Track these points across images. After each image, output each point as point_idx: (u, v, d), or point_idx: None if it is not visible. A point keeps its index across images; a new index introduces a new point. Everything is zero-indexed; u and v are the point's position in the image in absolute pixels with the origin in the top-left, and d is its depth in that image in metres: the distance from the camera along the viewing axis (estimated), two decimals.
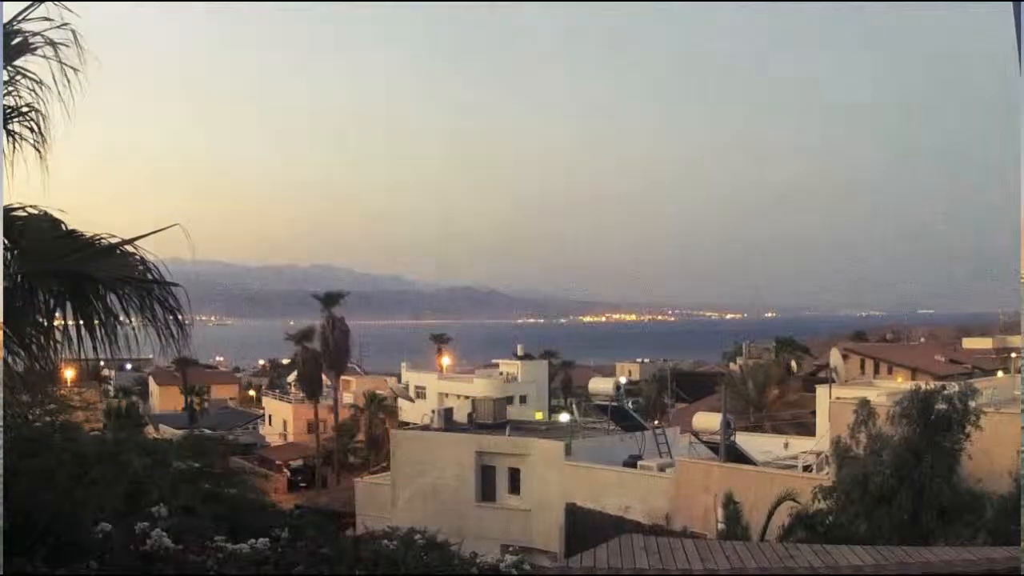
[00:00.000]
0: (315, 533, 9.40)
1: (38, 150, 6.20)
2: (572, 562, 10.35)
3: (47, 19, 6.03)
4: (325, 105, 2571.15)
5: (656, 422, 38.93)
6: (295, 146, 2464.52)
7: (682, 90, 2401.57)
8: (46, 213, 5.83)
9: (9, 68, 6.02)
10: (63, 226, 5.78)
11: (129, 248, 5.63)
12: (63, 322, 5.54)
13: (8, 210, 5.75)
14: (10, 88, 6.07)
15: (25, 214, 5.81)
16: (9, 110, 6.09)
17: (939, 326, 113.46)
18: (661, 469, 28.05)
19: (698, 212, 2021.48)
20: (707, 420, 34.00)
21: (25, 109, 6.17)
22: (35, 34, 6.05)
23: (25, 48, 6.05)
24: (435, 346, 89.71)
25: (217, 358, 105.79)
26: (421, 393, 60.27)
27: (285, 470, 51.96)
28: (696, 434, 33.64)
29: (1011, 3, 4.68)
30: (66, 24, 6.01)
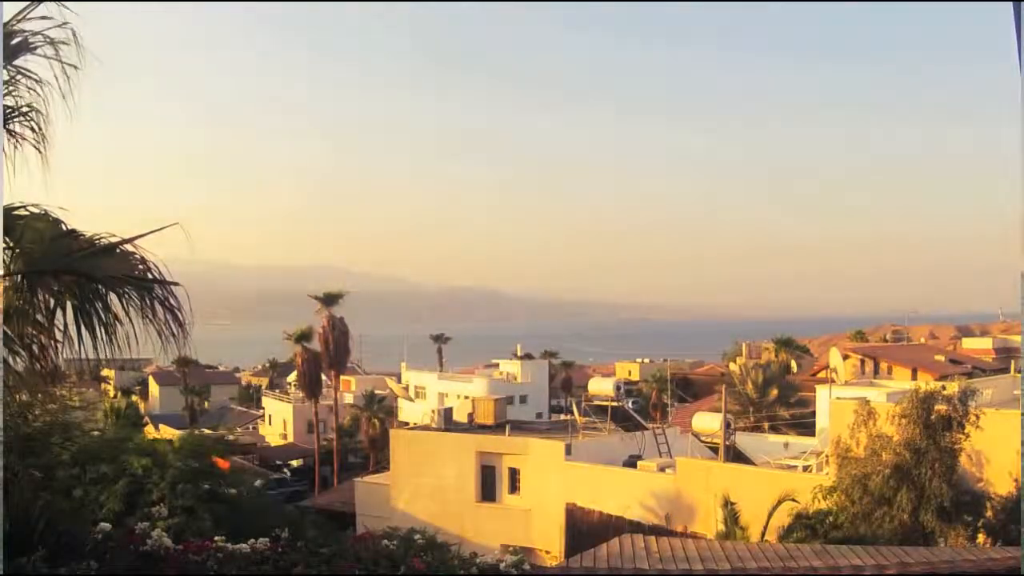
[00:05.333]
0: (315, 533, 9.40)
1: (39, 150, 6.19)
2: (572, 562, 10.36)
3: (47, 19, 6.02)
4: (326, 104, 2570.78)
5: (655, 423, 38.85)
6: (295, 145, 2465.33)
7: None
8: (46, 213, 5.83)
9: (9, 68, 6.01)
10: (63, 226, 5.78)
11: (129, 247, 5.62)
12: (63, 322, 5.53)
13: (8, 210, 5.74)
14: (10, 88, 6.06)
15: (26, 213, 5.81)
16: (9, 110, 6.08)
17: (939, 326, 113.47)
18: (661, 469, 28.02)
19: (703, 212, 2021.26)
20: (706, 421, 33.99)
21: (25, 109, 6.16)
22: (35, 33, 6.05)
23: (25, 48, 6.04)
24: (435, 346, 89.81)
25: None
26: (421, 393, 60.20)
27: (285, 470, 51.92)
28: (696, 435, 33.64)
29: (1011, 3, 4.67)
30: (66, 23, 6.01)
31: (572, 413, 36.05)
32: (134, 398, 69.58)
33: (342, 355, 52.12)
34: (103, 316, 5.47)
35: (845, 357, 45.98)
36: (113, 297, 5.52)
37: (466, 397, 46.20)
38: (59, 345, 5.56)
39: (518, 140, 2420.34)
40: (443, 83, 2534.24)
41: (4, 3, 5.84)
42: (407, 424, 48.09)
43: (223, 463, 15.47)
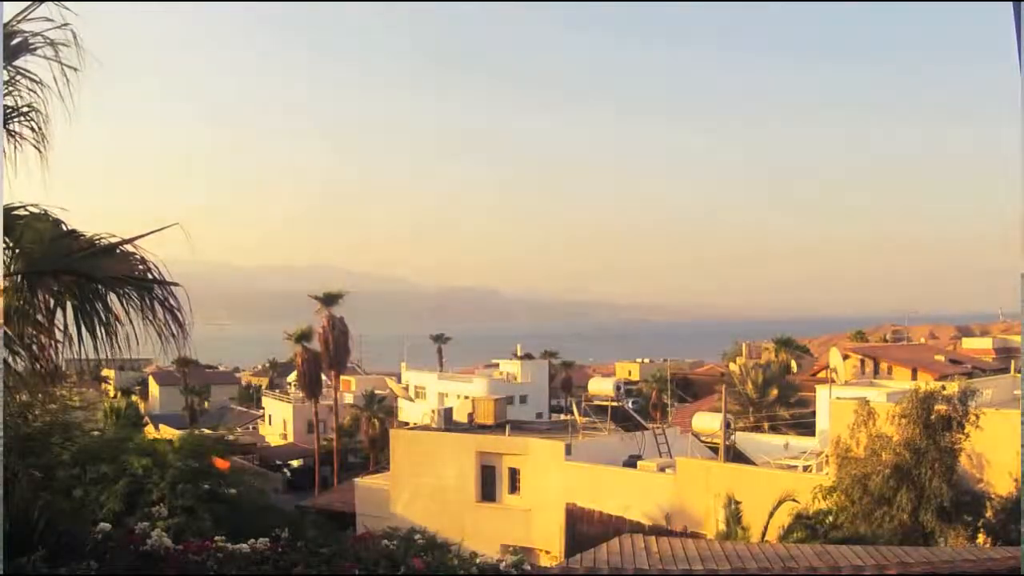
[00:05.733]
0: (315, 533, 9.39)
1: (39, 150, 6.20)
2: (573, 562, 10.36)
3: (47, 19, 6.03)
4: (326, 105, 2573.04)
5: (655, 423, 38.82)
6: (295, 146, 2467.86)
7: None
8: (46, 213, 5.83)
9: (9, 68, 6.01)
10: (63, 226, 5.78)
11: (129, 248, 5.62)
12: (63, 322, 5.53)
13: (8, 210, 5.75)
14: (10, 88, 6.07)
15: (26, 213, 5.81)
16: (9, 110, 6.09)
17: (939, 326, 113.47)
18: (661, 469, 28.02)
19: (704, 211, 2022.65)
20: (706, 421, 33.99)
21: (25, 109, 6.17)
22: (35, 34, 6.05)
23: (25, 48, 6.04)
24: (435, 346, 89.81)
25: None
26: (421, 393, 60.20)
27: (285, 470, 51.92)
28: (696, 435, 33.64)
29: (1011, 3, 4.67)
30: (66, 24, 6.01)
31: (572, 413, 36.06)
32: (134, 398, 69.55)
33: (342, 355, 52.14)
34: (103, 316, 5.47)
35: (845, 357, 45.94)
36: (113, 297, 5.53)
37: (466, 397, 46.19)
38: (59, 345, 5.56)
39: (518, 140, 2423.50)
40: (443, 83, 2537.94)
41: (4, 3, 5.84)
42: (407, 424, 48.08)
43: (223, 463, 15.46)
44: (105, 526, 6.70)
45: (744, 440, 33.48)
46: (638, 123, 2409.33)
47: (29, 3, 6.00)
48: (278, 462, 53.18)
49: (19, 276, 5.47)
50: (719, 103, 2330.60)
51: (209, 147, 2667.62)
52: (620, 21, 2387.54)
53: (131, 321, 5.52)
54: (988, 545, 18.76)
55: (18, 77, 6.08)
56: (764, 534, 20.62)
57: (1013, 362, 48.50)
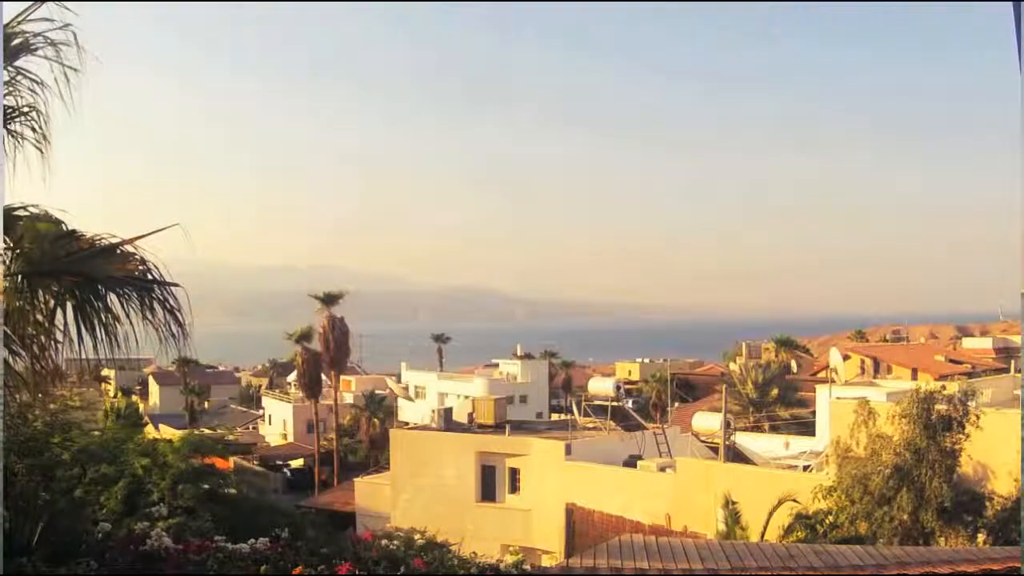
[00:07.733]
0: (315, 533, 9.40)
1: (40, 150, 6.21)
2: (572, 562, 10.35)
3: (48, 20, 6.04)
4: (327, 102, 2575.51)
5: (655, 423, 38.82)
6: (295, 145, 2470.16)
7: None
8: (47, 213, 5.84)
9: (10, 68, 6.02)
10: (63, 226, 5.79)
11: (129, 248, 5.63)
12: (64, 322, 5.54)
13: (9, 210, 5.75)
14: (11, 88, 6.07)
15: (26, 213, 5.82)
16: (10, 110, 6.09)
17: (939, 326, 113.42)
18: (661, 469, 28.03)
19: (705, 215, 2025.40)
20: (706, 421, 34.01)
21: (26, 109, 6.18)
22: (36, 35, 6.06)
23: (26, 48, 6.05)
24: (435, 346, 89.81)
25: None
26: (421, 393, 60.22)
27: (285, 470, 51.94)
28: (696, 435, 33.66)
29: (1011, 3, 4.68)
30: (67, 25, 6.02)
31: (572, 413, 36.07)
32: (134, 398, 69.53)
33: (342, 355, 52.19)
34: (103, 316, 5.48)
35: (845, 357, 45.93)
36: (113, 297, 5.53)
37: (466, 397, 46.20)
38: (59, 345, 5.57)
39: (520, 143, 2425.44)
40: (440, 92, 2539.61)
41: (4, 4, 5.85)
42: (407, 424, 48.10)
43: (223, 463, 15.46)
44: (105, 526, 6.71)
45: (744, 440, 33.49)
46: (645, 144, 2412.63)
47: (29, 3, 6.01)
48: (278, 462, 53.22)
49: (19, 276, 5.47)
50: (717, 122, 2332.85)
51: (209, 147, 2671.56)
52: (601, 45, 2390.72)
53: (131, 321, 5.53)
54: (988, 545, 18.76)
55: (19, 77, 6.09)
56: (764, 534, 20.63)
57: (1013, 362, 48.45)
